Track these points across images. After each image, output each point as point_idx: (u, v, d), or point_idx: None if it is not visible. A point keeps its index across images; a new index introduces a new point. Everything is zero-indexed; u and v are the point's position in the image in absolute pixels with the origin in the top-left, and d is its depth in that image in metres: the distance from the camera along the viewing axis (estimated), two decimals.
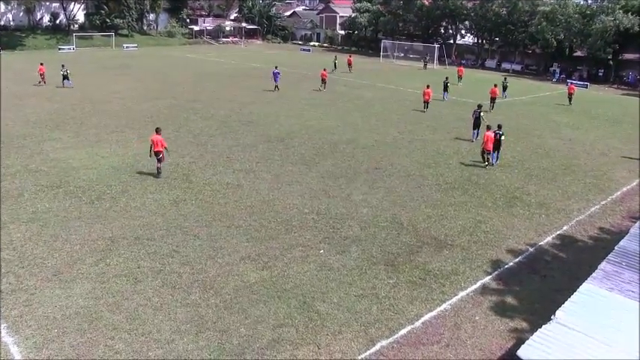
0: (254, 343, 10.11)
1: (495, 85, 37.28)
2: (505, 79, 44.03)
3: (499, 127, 22.66)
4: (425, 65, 62.63)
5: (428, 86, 35.10)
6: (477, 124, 26.46)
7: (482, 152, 22.61)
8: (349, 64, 53.97)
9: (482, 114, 26.86)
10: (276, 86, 39.81)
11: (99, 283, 11.92)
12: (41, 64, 38.56)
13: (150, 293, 11.63)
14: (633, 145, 28.14)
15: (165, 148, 19.14)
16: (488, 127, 22.52)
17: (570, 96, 40.72)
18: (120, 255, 13.29)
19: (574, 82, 49.37)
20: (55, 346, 9.73)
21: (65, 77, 37.66)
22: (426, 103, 34.46)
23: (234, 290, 11.91)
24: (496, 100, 36.34)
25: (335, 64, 53.92)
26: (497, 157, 22.89)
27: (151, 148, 19.01)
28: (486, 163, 22.48)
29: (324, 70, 42.87)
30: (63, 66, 38.27)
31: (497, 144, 22.30)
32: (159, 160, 19.13)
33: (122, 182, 18.51)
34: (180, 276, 12.43)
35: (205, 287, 11.99)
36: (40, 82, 37.95)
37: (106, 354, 9.60)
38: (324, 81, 41.81)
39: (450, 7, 70.55)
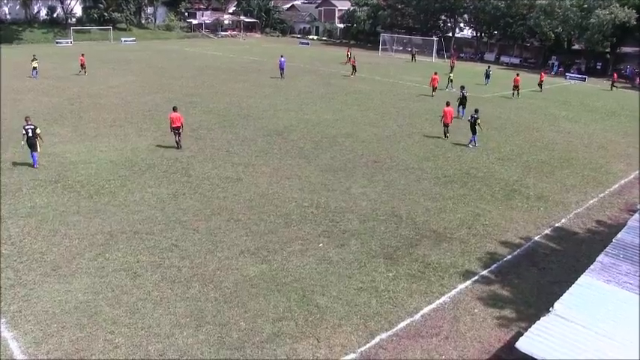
0: (254, 336, 10.14)
1: (518, 75, 40.23)
2: (489, 67, 48.33)
3: (476, 111, 24.51)
4: (413, 58, 62.83)
5: (435, 73, 38.49)
6: (462, 103, 30.21)
7: (444, 125, 25.47)
8: (348, 57, 54.46)
9: (466, 94, 30.62)
10: (282, 74, 42.58)
11: (98, 278, 11.93)
12: (82, 55, 41.19)
13: (149, 287, 11.64)
14: (631, 139, 28.16)
15: (182, 124, 21.72)
16: (447, 104, 25.69)
17: (541, 83, 43.53)
18: (119, 249, 13.29)
19: (573, 75, 50.74)
20: (55, 341, 9.75)
21: (35, 68, 38.39)
22: (434, 88, 37.31)
23: (234, 284, 11.93)
24: (519, 89, 38.99)
25: (348, 56, 55.28)
26: (476, 140, 24.57)
27: (170, 124, 21.63)
28: (446, 136, 25.56)
29: (354, 59, 47.83)
30: (34, 56, 39.09)
31: (473, 127, 24.32)
32: (177, 135, 21.81)
33: (121, 177, 18.50)
34: (179, 270, 12.44)
35: (205, 281, 12.01)
36: (80, 72, 40.23)
37: (105, 348, 9.62)
38: (354, 68, 46.06)
39: (448, 0, 70.34)
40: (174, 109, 21.78)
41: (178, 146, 21.96)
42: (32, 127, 18.90)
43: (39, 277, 11.83)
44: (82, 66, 40.28)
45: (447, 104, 25.54)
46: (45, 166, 19.32)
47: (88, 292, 11.33)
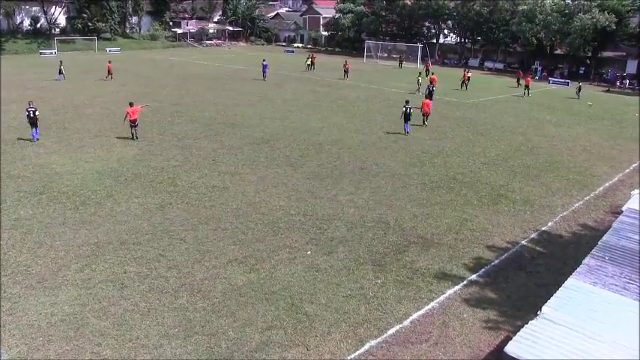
0: (243, 346, 10.09)
1: (529, 75, 47.60)
2: (468, 70, 49.36)
3: (407, 102, 27.95)
4: (400, 64, 63.35)
5: (433, 73, 45.20)
6: (430, 96, 34.67)
7: (423, 115, 29.58)
8: (313, 61, 57.09)
9: (432, 89, 36.29)
10: (264, 76, 46.18)
11: (85, 290, 11.80)
12: (109, 62, 45.01)
13: (137, 298, 11.54)
14: (614, 141, 28.57)
15: (137, 117, 24.24)
16: (426, 96, 31.85)
17: (465, 81, 46.00)
18: (106, 260, 13.16)
19: (556, 79, 52.20)
20: (41, 355, 9.61)
21: (60, 72, 42.97)
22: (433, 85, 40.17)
23: (222, 293, 11.87)
24: (530, 88, 44.61)
25: (306, 62, 57.21)
26: (408, 126, 27.62)
27: (125, 117, 24.12)
28: (424, 124, 29.59)
29: (346, 62, 50.62)
30: (61, 62, 44.59)
31: (407, 117, 27.34)
32: (134, 127, 24.29)
33: (107, 187, 18.35)
34: (167, 280, 12.35)
35: (193, 291, 11.93)
36: (107, 77, 43.34)
37: None
38: (346, 72, 49.04)
39: (432, 6, 70.93)
40: (131, 104, 24.22)
41: (134, 137, 24.32)
42: (33, 109, 23.52)
43: (24, 290, 11.67)
44: (109, 72, 43.36)
45: (425, 97, 31.38)
46: (29, 177, 19.10)
47: (74, 305, 11.20)
